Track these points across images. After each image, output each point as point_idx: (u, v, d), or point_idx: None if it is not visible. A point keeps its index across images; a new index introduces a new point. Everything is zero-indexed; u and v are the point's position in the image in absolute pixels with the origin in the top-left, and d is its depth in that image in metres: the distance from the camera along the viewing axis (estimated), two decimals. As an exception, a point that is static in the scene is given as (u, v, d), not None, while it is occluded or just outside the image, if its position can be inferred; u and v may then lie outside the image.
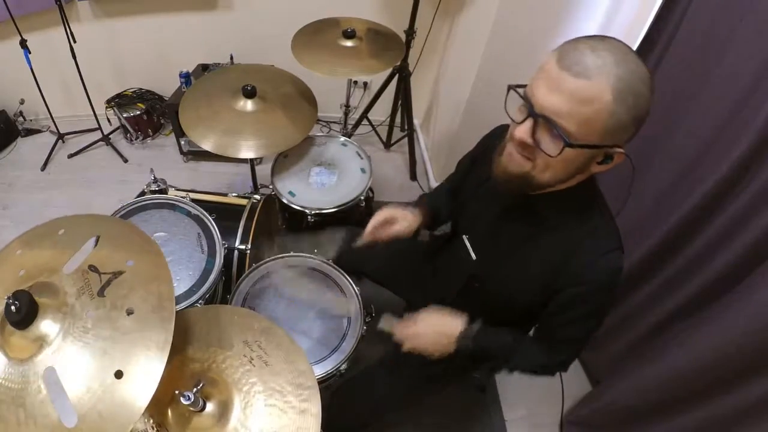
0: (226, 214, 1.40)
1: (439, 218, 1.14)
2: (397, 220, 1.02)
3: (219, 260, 1.23)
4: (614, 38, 0.63)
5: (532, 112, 0.65)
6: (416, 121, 2.66)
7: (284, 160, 1.63)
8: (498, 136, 0.89)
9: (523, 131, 0.67)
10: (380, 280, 1.33)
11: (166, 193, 1.42)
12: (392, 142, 2.52)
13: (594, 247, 0.76)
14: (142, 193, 1.42)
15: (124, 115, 2.32)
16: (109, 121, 2.42)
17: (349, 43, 1.61)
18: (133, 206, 1.31)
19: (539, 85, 0.64)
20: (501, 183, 0.76)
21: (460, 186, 1.06)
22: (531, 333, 0.99)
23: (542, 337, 0.91)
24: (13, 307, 0.59)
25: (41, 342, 0.61)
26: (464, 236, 0.97)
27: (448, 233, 1.13)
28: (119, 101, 2.33)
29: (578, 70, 0.60)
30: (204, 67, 2.27)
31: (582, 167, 0.69)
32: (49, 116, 2.28)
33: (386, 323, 0.92)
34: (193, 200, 1.36)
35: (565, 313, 0.81)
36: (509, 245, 0.88)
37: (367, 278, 1.36)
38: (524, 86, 0.68)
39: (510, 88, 0.70)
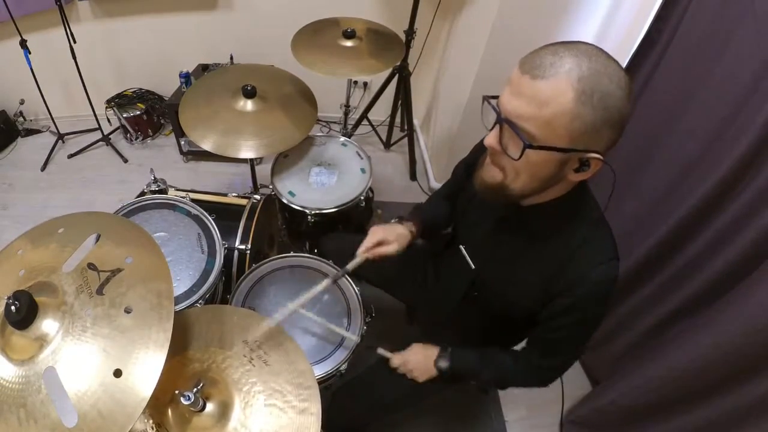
0: (226, 214, 1.40)
1: (437, 227, 1.14)
2: (388, 242, 1.01)
3: (219, 260, 1.23)
4: (585, 42, 0.61)
5: (498, 118, 0.67)
6: (416, 121, 2.66)
7: (284, 160, 1.63)
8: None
9: (490, 137, 0.69)
10: (379, 283, 1.33)
11: (166, 193, 1.42)
12: (392, 142, 2.52)
13: (588, 256, 0.76)
14: (142, 194, 1.42)
15: (124, 115, 2.32)
16: (109, 121, 2.42)
17: (349, 43, 1.61)
18: (133, 206, 1.31)
19: (505, 92, 0.66)
20: (482, 195, 0.78)
21: (457, 192, 1.06)
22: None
23: (531, 347, 0.93)
24: (13, 308, 0.59)
25: (41, 342, 0.61)
26: (462, 246, 0.98)
27: (449, 235, 1.13)
28: (119, 101, 2.33)
29: (537, 73, 0.60)
30: (204, 67, 2.27)
31: (555, 174, 0.68)
32: (49, 116, 2.28)
33: (383, 351, 1.10)
34: (193, 200, 1.36)
35: (557, 320, 0.81)
36: (505, 255, 0.88)
37: (366, 282, 1.35)
38: (497, 97, 0.69)
39: (485, 99, 0.71)
